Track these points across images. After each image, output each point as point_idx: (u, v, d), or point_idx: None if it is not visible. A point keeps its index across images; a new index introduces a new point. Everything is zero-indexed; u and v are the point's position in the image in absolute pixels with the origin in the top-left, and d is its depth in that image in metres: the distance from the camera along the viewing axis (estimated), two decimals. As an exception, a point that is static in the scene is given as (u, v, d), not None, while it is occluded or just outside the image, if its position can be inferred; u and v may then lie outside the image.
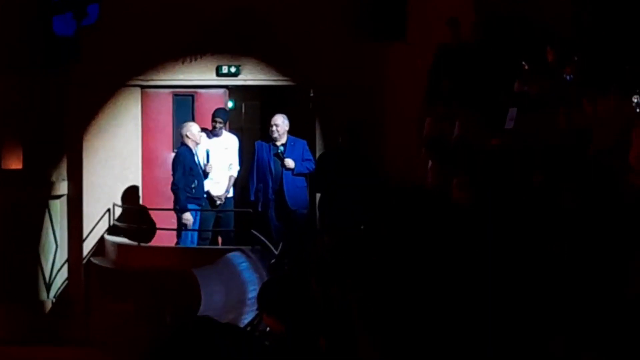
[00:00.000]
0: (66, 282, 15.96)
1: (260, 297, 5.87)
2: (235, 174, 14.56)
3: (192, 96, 15.76)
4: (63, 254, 15.95)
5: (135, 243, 14.77)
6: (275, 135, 13.84)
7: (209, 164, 14.31)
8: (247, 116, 16.00)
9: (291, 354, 5.58)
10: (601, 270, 6.72)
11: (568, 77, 10.18)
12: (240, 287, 12.28)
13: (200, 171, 14.24)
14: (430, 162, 10.88)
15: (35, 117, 15.71)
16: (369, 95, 15.06)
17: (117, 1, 15.57)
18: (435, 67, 12.44)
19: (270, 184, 13.77)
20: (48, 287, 15.92)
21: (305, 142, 14.09)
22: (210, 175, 14.33)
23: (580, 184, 7.39)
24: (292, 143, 13.90)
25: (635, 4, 10.87)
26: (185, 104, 15.73)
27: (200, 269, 13.40)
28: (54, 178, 15.90)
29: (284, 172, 13.77)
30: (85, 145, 15.63)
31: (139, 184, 15.61)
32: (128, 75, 15.61)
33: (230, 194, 14.55)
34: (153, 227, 14.96)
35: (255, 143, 14.15)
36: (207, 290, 12.77)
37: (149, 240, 14.85)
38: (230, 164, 14.50)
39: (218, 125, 14.47)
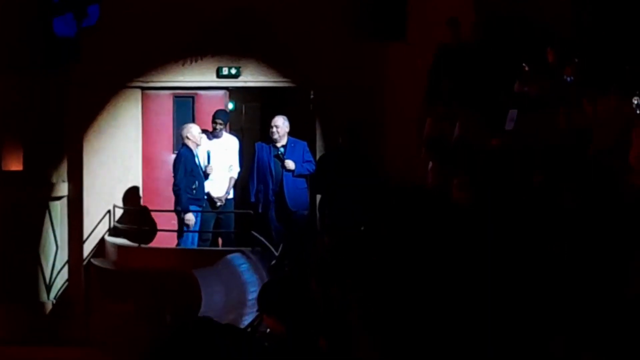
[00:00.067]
0: (66, 283, 15.95)
1: (261, 298, 5.87)
2: (235, 176, 14.55)
3: (193, 97, 15.76)
4: (63, 255, 15.94)
5: (135, 244, 14.77)
6: (276, 136, 13.84)
7: (210, 165, 14.31)
8: (248, 117, 15.99)
9: (291, 354, 5.57)
10: (601, 270, 6.71)
11: (568, 78, 10.18)
12: (240, 288, 12.28)
13: (201, 172, 14.24)
14: (430, 162, 10.87)
15: (35, 117, 15.71)
16: (369, 95, 15.06)
17: (118, 2, 15.57)
18: (435, 67, 12.43)
19: (271, 186, 13.77)
20: (48, 288, 15.92)
21: (305, 143, 14.09)
22: (210, 177, 14.33)
23: (580, 184, 7.39)
24: (292, 144, 13.90)
25: (635, 4, 10.87)
26: (185, 106, 15.73)
27: (200, 270, 13.41)
28: (54, 179, 15.90)
29: (285, 173, 13.77)
30: (85, 146, 15.63)
31: (139, 185, 15.61)
32: (128, 76, 15.61)
33: (231, 196, 14.54)
34: (153, 228, 14.96)
35: (256, 144, 14.15)
36: (208, 291, 12.77)
37: (149, 241, 14.85)
38: (231, 166, 14.50)
39: (218, 126, 14.47)
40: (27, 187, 15.69)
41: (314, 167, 13.74)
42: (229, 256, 13.56)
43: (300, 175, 13.81)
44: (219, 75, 15.62)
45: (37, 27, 15.69)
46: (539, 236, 7.24)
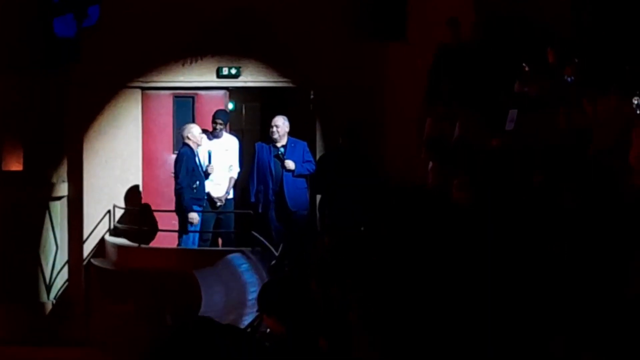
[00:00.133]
0: (66, 283, 15.96)
1: (261, 299, 5.87)
2: (235, 176, 14.55)
3: (193, 98, 15.76)
4: (63, 256, 15.95)
5: (135, 244, 14.78)
6: (276, 136, 13.83)
7: (211, 164, 14.32)
8: (248, 117, 16.00)
9: (291, 355, 5.57)
10: (601, 270, 6.71)
11: (568, 78, 10.17)
12: (240, 289, 12.29)
13: (202, 172, 14.24)
14: (430, 163, 10.87)
15: (35, 117, 15.71)
16: (369, 95, 15.06)
17: (118, 2, 15.57)
18: (435, 67, 12.43)
19: (271, 186, 13.76)
20: (48, 288, 15.92)
21: (305, 143, 14.08)
22: (210, 177, 14.33)
23: (580, 184, 7.39)
24: (292, 144, 13.89)
25: (635, 4, 10.87)
26: (185, 106, 15.73)
27: (200, 270, 13.41)
28: (54, 179, 15.90)
29: (285, 173, 13.76)
30: (85, 146, 15.63)
31: (140, 185, 15.61)
32: (128, 76, 15.61)
33: (231, 196, 14.54)
34: (154, 228, 14.96)
35: (256, 144, 14.14)
36: (208, 292, 12.77)
37: (150, 241, 14.85)
38: (231, 166, 14.50)
39: (218, 126, 14.47)
40: (27, 187, 15.69)
41: (314, 167, 13.74)
42: (229, 256, 13.56)
43: (300, 175, 13.81)
44: (219, 75, 15.62)
45: (37, 27, 15.70)
46: (539, 236, 7.24)
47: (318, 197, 13.70)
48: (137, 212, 15.26)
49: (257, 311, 8.86)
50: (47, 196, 15.84)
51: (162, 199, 15.14)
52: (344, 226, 10.13)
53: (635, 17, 10.69)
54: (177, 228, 14.45)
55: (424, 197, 8.49)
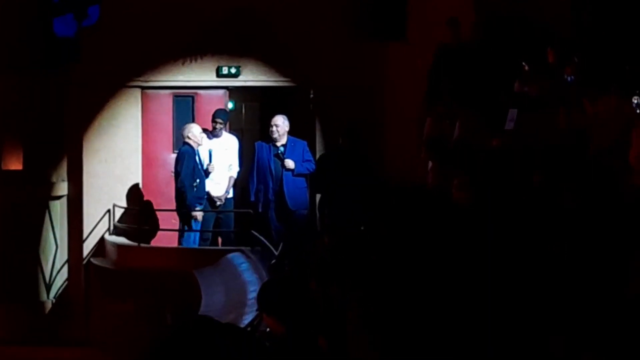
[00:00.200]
0: (66, 282, 15.95)
1: (261, 298, 5.87)
2: (235, 175, 14.56)
3: (192, 97, 15.76)
4: (63, 255, 15.94)
5: (135, 244, 14.78)
6: (276, 135, 13.83)
7: (212, 163, 14.32)
8: (247, 117, 16.00)
9: (291, 354, 5.57)
10: (601, 270, 6.72)
11: (568, 78, 10.18)
12: (240, 288, 12.28)
13: (202, 171, 14.25)
14: (430, 163, 10.88)
15: (35, 117, 15.70)
16: (369, 95, 15.07)
17: (118, 2, 15.57)
18: (435, 67, 12.43)
19: (271, 185, 13.76)
20: (48, 287, 15.92)
21: (305, 142, 14.08)
22: (210, 176, 14.34)
23: (580, 184, 7.40)
24: (292, 144, 13.89)
25: (635, 4, 10.88)
26: (185, 105, 15.73)
27: (200, 270, 13.41)
28: (54, 179, 15.90)
29: (284, 172, 13.76)
30: (85, 145, 15.63)
31: (139, 184, 15.61)
32: (128, 76, 15.61)
33: (230, 195, 14.55)
34: (154, 227, 14.97)
35: (256, 144, 14.14)
36: (208, 291, 12.77)
37: (150, 240, 14.86)
38: (230, 165, 14.50)
39: (218, 126, 14.48)
40: (27, 187, 15.68)
41: (313, 167, 13.74)
42: (229, 256, 13.56)
43: (300, 175, 13.81)
44: (219, 74, 15.63)
45: (37, 27, 15.69)
46: (539, 236, 7.25)
47: (318, 196, 13.71)
48: (137, 211, 15.27)
49: (256, 310, 8.86)
50: (47, 195, 15.83)
51: (162, 198, 15.14)
52: (343, 226, 10.13)
53: (635, 17, 10.70)
54: (177, 227, 14.45)
55: (424, 197, 8.50)
